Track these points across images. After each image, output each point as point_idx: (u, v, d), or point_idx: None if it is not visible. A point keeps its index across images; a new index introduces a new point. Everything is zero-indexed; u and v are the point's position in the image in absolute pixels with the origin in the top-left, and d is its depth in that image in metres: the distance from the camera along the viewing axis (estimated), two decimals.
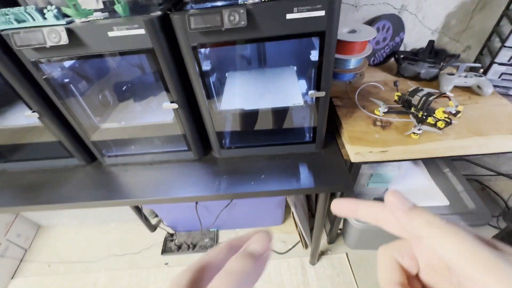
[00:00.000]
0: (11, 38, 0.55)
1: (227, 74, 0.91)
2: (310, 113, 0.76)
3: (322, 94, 0.65)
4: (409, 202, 0.18)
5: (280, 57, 0.90)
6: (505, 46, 0.86)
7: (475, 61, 1.07)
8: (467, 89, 0.90)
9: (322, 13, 0.52)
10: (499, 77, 0.92)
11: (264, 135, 0.83)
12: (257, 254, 0.19)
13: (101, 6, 0.60)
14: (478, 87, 0.87)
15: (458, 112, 0.72)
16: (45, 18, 0.57)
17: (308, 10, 0.51)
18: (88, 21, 0.56)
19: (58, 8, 0.57)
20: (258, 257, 0.19)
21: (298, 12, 0.52)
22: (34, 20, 0.58)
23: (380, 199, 0.84)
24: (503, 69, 0.90)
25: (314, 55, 0.65)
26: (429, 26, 1.03)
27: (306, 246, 1.29)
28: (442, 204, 1.03)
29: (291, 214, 1.31)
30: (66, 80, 0.70)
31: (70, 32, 0.54)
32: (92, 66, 0.81)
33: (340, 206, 0.22)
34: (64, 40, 0.54)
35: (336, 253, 1.26)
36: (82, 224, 1.51)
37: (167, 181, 0.79)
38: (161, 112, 0.79)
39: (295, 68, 0.89)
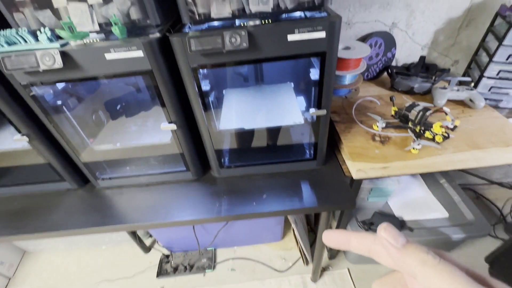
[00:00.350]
0: (1, 62, 0.52)
1: (224, 91, 0.90)
2: (310, 130, 0.75)
3: (323, 112, 0.65)
4: (402, 238, 0.18)
5: (277, 74, 0.90)
6: (493, 61, 0.89)
7: (463, 75, 1.10)
8: (460, 103, 0.93)
9: (323, 34, 0.52)
10: (489, 90, 0.95)
11: (264, 153, 0.82)
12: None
13: (97, 28, 0.58)
14: (471, 100, 0.89)
15: (455, 126, 0.73)
16: (37, 41, 0.56)
17: (309, 32, 0.52)
18: (84, 43, 0.55)
19: (52, 30, 0.55)
20: None
21: (299, 33, 0.52)
22: (26, 42, 0.56)
23: (380, 213, 0.83)
24: (492, 82, 0.93)
25: (314, 74, 0.65)
26: (419, 42, 1.06)
27: (307, 263, 1.26)
28: (442, 216, 1.03)
29: (292, 231, 1.29)
30: (59, 102, 0.67)
31: (64, 55, 0.53)
32: (85, 86, 0.78)
33: (332, 238, 0.22)
34: (59, 63, 0.52)
35: (338, 269, 1.24)
36: (71, 247, 1.44)
37: (165, 203, 0.76)
38: (158, 131, 0.77)
39: (292, 84, 0.89)
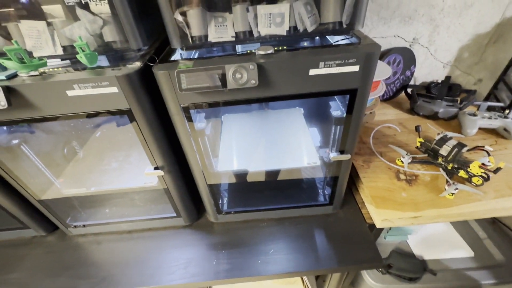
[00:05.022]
0: None
1: (223, 117, 0.77)
2: (326, 171, 0.63)
3: (347, 157, 0.52)
4: None
5: None
6: None
7: (488, 95, 0.99)
8: (491, 131, 0.81)
9: (355, 68, 0.40)
10: None
11: (270, 195, 0.69)
12: None
13: (60, 51, 0.45)
14: (505, 130, 0.78)
15: (498, 168, 0.62)
16: None
17: (338, 65, 0.39)
18: (40, 74, 0.42)
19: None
20: None
21: (324, 67, 0.39)
22: None
23: (398, 251, 0.70)
24: None
25: (336, 109, 0.53)
26: (441, 59, 0.95)
27: None
28: (467, 256, 0.92)
29: None
30: (15, 141, 0.54)
31: (11, 92, 0.39)
32: None
33: None
34: (2, 103, 0.39)
35: None
36: None
37: (151, 257, 0.63)
38: (143, 171, 0.63)
39: (302, 110, 0.77)
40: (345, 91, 0.42)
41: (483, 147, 0.66)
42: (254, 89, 0.40)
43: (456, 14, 0.84)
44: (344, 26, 0.44)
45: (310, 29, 0.44)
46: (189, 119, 0.45)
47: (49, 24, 0.43)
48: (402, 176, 0.70)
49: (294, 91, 0.42)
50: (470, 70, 0.99)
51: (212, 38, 0.44)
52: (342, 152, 0.52)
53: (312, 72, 0.40)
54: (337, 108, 0.52)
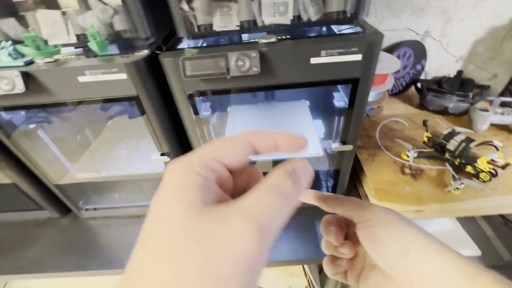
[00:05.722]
0: None
1: (228, 108, 0.78)
2: (329, 163, 0.63)
3: (349, 148, 0.53)
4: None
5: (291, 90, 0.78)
6: None
7: (503, 91, 0.96)
8: (504, 128, 0.79)
9: (358, 57, 0.40)
10: None
11: None
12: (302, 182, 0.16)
13: (73, 40, 0.47)
14: None
15: (507, 164, 0.60)
16: None
17: (340, 54, 0.40)
18: (54, 61, 0.44)
19: (20, 43, 0.45)
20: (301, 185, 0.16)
21: (326, 56, 0.40)
22: None
23: None
24: None
25: (338, 100, 0.53)
26: (454, 53, 0.93)
27: None
28: (474, 255, 0.90)
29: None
30: (31, 126, 0.57)
31: (28, 77, 0.42)
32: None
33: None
34: (20, 88, 0.41)
35: None
36: None
37: None
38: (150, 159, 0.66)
39: (307, 103, 0.77)
40: (346, 80, 0.43)
41: (492, 142, 0.65)
42: (256, 76, 0.41)
43: (470, 6, 0.81)
44: (348, 15, 0.44)
45: (314, 18, 0.44)
46: (194, 107, 0.47)
47: (63, 13, 0.46)
48: (407, 170, 0.70)
49: (295, 80, 0.42)
50: (485, 65, 0.96)
51: (217, 27, 0.45)
52: (344, 142, 0.52)
53: (314, 60, 0.40)
54: (340, 99, 0.52)
